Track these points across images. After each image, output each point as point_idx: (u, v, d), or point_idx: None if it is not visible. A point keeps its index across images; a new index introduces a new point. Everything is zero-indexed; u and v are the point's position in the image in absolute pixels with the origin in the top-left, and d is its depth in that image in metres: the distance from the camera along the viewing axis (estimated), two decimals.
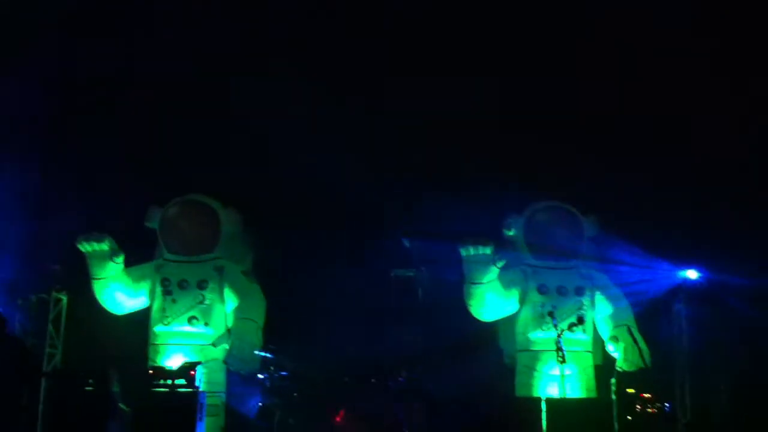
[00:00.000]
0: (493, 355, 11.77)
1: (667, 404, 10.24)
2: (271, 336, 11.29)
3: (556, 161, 12.22)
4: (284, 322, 11.73)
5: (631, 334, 10.77)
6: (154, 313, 11.27)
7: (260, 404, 10.51)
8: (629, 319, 11.28)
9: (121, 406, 10.11)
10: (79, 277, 11.24)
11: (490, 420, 10.50)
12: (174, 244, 11.66)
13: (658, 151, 12.28)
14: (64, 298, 11.48)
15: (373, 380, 11.14)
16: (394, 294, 12.64)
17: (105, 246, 10.98)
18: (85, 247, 10.97)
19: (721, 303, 11.90)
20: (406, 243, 12.77)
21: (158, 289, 11.31)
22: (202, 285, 11.39)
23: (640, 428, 10.01)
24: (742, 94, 11.94)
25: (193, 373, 10.15)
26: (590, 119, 12.35)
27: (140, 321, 11.38)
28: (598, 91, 12.28)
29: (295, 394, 10.56)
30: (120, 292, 11.32)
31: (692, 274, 11.93)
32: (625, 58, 12.41)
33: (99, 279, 11.14)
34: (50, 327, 11.33)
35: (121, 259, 11.17)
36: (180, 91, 12.33)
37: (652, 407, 10.10)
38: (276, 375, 10.68)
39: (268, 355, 10.72)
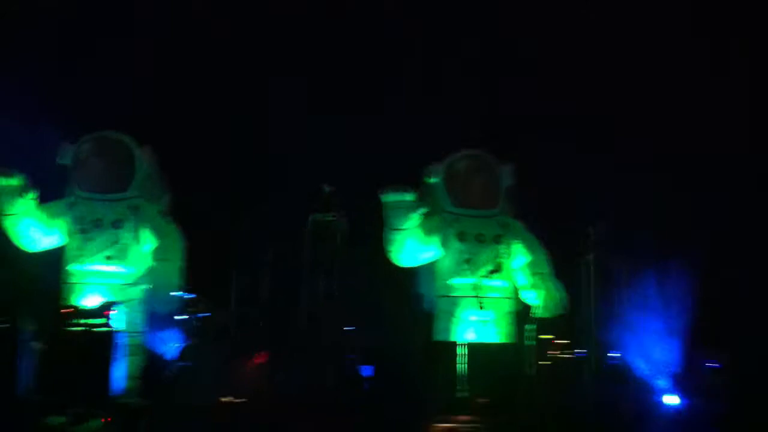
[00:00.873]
0: (412, 300, 11.93)
1: (583, 351, 10.62)
2: (189, 278, 11.13)
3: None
4: (201, 265, 11.58)
5: (548, 280, 11.06)
6: (69, 251, 10.93)
7: (179, 345, 10.40)
8: (545, 266, 11.56)
9: (34, 344, 9.84)
10: None
11: (408, 364, 10.69)
12: (87, 181, 11.26)
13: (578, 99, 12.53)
14: None
15: (292, 325, 11.17)
16: (312, 239, 12.64)
17: (14, 181, 10.59)
18: None
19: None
20: (326, 188, 12.74)
21: (73, 228, 10.97)
22: (117, 224, 11.08)
23: (555, 373, 10.35)
24: None
25: (107, 312, 9.96)
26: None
27: (55, 259, 11.03)
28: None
29: (214, 337, 10.48)
30: (33, 228, 10.94)
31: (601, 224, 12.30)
32: None
33: (10, 215, 10.75)
34: None
35: (32, 195, 10.77)
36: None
37: (567, 353, 10.46)
38: (195, 316, 10.58)
39: (186, 295, 10.59)
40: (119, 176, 11.35)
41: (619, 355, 10.94)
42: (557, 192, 12.53)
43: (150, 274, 10.87)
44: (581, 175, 12.58)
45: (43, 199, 10.95)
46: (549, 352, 10.74)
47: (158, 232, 11.20)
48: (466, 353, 10.47)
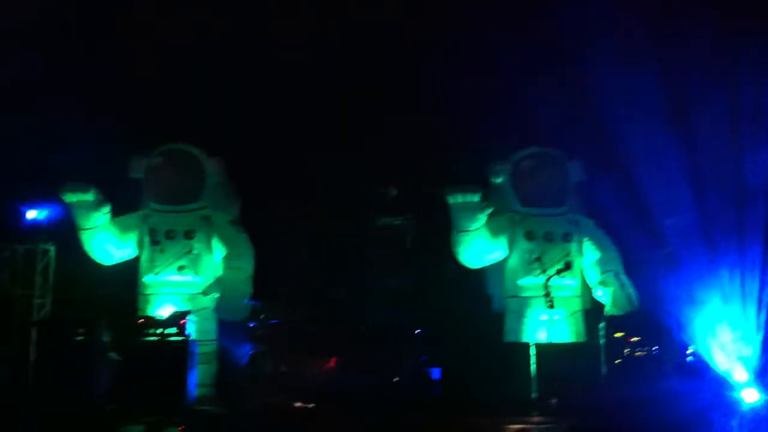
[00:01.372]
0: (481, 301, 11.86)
1: (655, 348, 10.38)
2: (260, 285, 11.29)
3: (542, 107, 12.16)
4: (273, 271, 11.75)
5: (619, 278, 10.86)
6: (143, 263, 11.24)
7: (251, 352, 10.55)
8: (616, 263, 11.35)
9: (111, 355, 10.13)
10: (67, 228, 11.16)
11: (478, 366, 10.62)
12: (159, 194, 11.58)
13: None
14: (52, 249, 11.40)
15: (362, 328, 11.22)
16: (381, 243, 12.70)
17: (90, 196, 10.88)
18: (70, 198, 10.87)
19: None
20: (393, 191, 12.79)
21: (146, 239, 11.26)
22: (189, 234, 11.34)
23: (629, 371, 10.15)
24: None
25: (183, 321, 10.19)
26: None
27: (129, 271, 11.35)
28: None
29: (285, 342, 10.58)
30: (108, 242, 11.26)
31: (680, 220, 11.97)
32: None
33: (86, 229, 11.07)
34: (38, 278, 11.26)
35: (107, 209, 11.09)
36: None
37: (640, 350, 10.24)
38: (266, 323, 10.71)
39: (257, 303, 10.73)
40: (190, 187, 11.62)
41: (695, 351, 10.64)
42: (630, 186, 12.24)
43: (221, 283, 11.08)
44: (655, 168, 12.27)
45: (115, 213, 11.26)
46: (625, 349, 10.50)
47: (229, 241, 11.41)
48: (537, 353, 10.39)
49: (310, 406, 10.06)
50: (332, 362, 10.37)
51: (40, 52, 11.74)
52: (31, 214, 11.24)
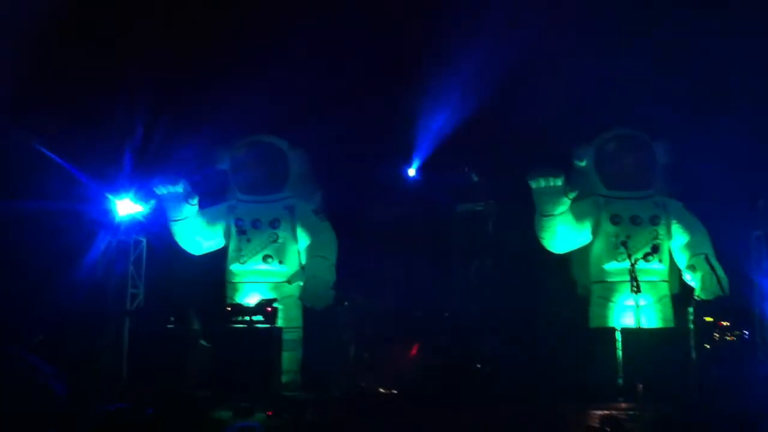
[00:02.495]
0: (566, 286, 11.72)
1: (746, 332, 10.10)
2: (343, 272, 11.42)
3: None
4: (355, 258, 11.84)
5: (709, 262, 10.58)
6: (230, 252, 11.51)
7: (335, 339, 10.69)
8: (706, 246, 11.06)
9: (202, 343, 10.42)
10: (158, 220, 11.51)
11: (564, 352, 10.53)
12: (244, 185, 11.83)
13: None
14: (144, 241, 11.78)
15: (446, 314, 11.23)
16: (461, 228, 12.65)
17: (179, 188, 11.19)
18: (161, 190, 11.21)
19: None
20: (474, 177, 12.71)
21: (233, 230, 11.54)
22: (274, 224, 11.56)
23: (719, 356, 9.90)
24: None
25: (270, 309, 10.40)
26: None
27: (217, 261, 11.64)
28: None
29: (369, 329, 10.68)
30: (196, 233, 11.58)
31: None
32: None
33: (176, 221, 11.41)
34: (131, 268, 11.65)
35: (195, 200, 11.40)
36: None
37: (730, 335, 9.98)
38: (350, 310, 10.83)
39: (341, 291, 10.86)
40: (274, 178, 11.84)
41: None
42: (720, 167, 11.88)
43: (306, 271, 11.24)
44: (743, 147, 11.88)
45: (201, 205, 11.56)
46: (715, 334, 10.23)
47: (312, 230, 11.59)
48: (623, 339, 10.23)
49: (394, 392, 10.17)
50: (415, 349, 10.42)
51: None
52: (123, 207, 11.60)
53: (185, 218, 11.45)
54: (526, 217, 11.30)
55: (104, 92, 11.84)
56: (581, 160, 11.65)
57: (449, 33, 12.26)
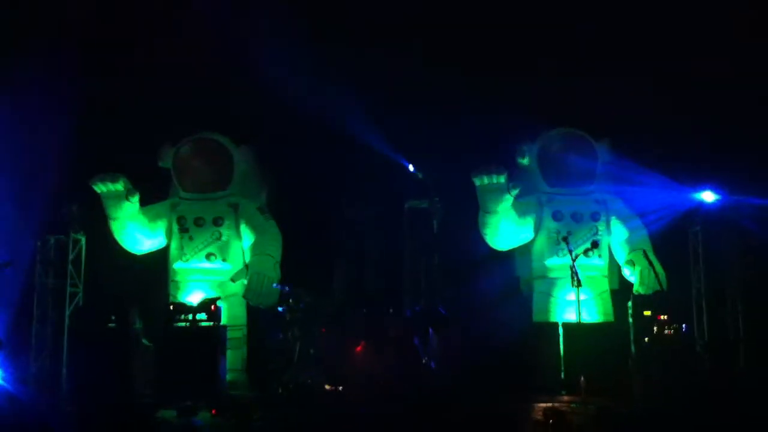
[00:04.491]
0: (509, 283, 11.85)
1: (684, 325, 10.32)
2: (287, 270, 11.38)
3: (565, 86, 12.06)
4: (299, 256, 11.80)
5: (647, 257, 10.78)
6: (173, 250, 11.40)
7: (280, 337, 10.63)
8: (645, 242, 11.29)
9: (144, 342, 10.29)
10: (96, 218, 11.30)
11: (507, 347, 10.63)
12: (188, 182, 11.72)
13: (670, 68, 12.07)
14: (83, 239, 11.56)
15: (390, 310, 11.22)
16: (409, 226, 12.69)
17: (119, 186, 11.00)
18: (100, 188, 10.99)
19: (736, 225, 11.87)
20: (419, 174, 12.75)
21: (175, 227, 11.41)
22: (217, 222, 11.48)
23: (658, 350, 10.10)
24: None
25: (214, 308, 10.31)
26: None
27: (159, 259, 11.50)
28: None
29: (313, 327, 10.63)
30: (137, 231, 11.41)
31: (708, 196, 11.84)
32: None
33: (115, 219, 11.20)
34: (70, 267, 11.43)
35: (136, 198, 11.21)
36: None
37: (668, 329, 10.18)
38: (294, 308, 10.77)
39: (285, 288, 10.79)
40: (218, 175, 11.73)
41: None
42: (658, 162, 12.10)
43: (250, 269, 11.17)
44: (684, 145, 12.12)
45: (144, 202, 11.39)
46: (654, 328, 10.43)
47: (257, 228, 11.51)
48: (565, 333, 10.38)
49: (339, 389, 10.14)
50: (360, 346, 10.40)
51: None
52: (61, 205, 11.36)
53: (125, 216, 11.25)
54: (471, 215, 11.39)
55: (45, 84, 11.58)
56: (524, 158, 11.78)
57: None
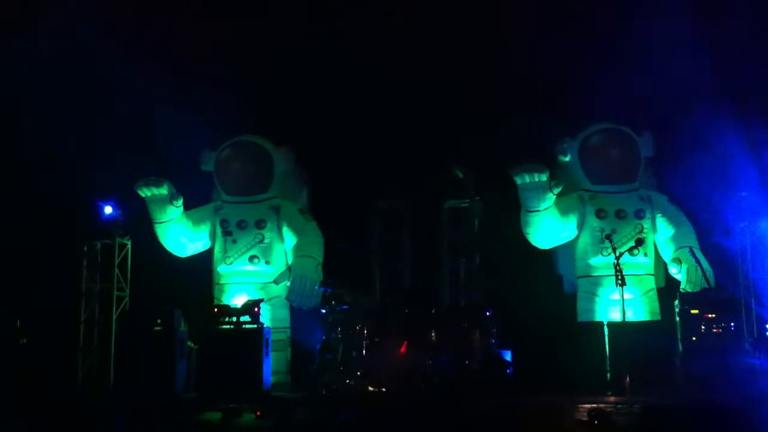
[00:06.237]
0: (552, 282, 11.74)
1: (732, 323, 10.14)
2: (329, 271, 11.40)
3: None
4: (342, 257, 11.80)
5: (694, 254, 10.62)
6: (216, 253, 11.50)
7: (323, 338, 10.66)
8: (691, 239, 11.12)
9: (189, 344, 10.38)
10: (141, 222, 11.44)
11: (551, 347, 10.53)
12: (229, 185, 11.82)
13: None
14: (128, 243, 11.69)
15: (433, 311, 11.19)
16: (448, 225, 12.64)
17: (164, 190, 11.15)
18: (145, 192, 11.15)
19: None
20: (459, 174, 12.69)
21: (218, 231, 11.52)
22: (260, 224, 11.56)
23: (706, 348, 9.94)
24: None
25: (257, 310, 10.37)
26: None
27: (203, 262, 11.59)
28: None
29: (357, 327, 10.63)
30: (181, 234, 11.55)
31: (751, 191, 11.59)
32: None
33: (160, 223, 11.36)
34: (117, 271, 11.55)
35: (180, 202, 11.35)
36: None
37: (716, 327, 10.02)
38: (337, 309, 10.78)
39: (328, 290, 10.81)
40: (259, 178, 11.82)
41: None
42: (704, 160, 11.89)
43: (293, 271, 11.21)
44: (729, 141, 11.89)
45: (187, 206, 11.52)
46: (702, 326, 10.26)
47: (298, 230, 11.57)
48: (610, 332, 10.25)
49: (383, 390, 10.14)
50: (404, 347, 10.38)
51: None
52: (107, 210, 11.48)
53: (170, 220, 11.40)
54: (512, 213, 11.31)
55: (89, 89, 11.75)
56: (565, 155, 11.67)
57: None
